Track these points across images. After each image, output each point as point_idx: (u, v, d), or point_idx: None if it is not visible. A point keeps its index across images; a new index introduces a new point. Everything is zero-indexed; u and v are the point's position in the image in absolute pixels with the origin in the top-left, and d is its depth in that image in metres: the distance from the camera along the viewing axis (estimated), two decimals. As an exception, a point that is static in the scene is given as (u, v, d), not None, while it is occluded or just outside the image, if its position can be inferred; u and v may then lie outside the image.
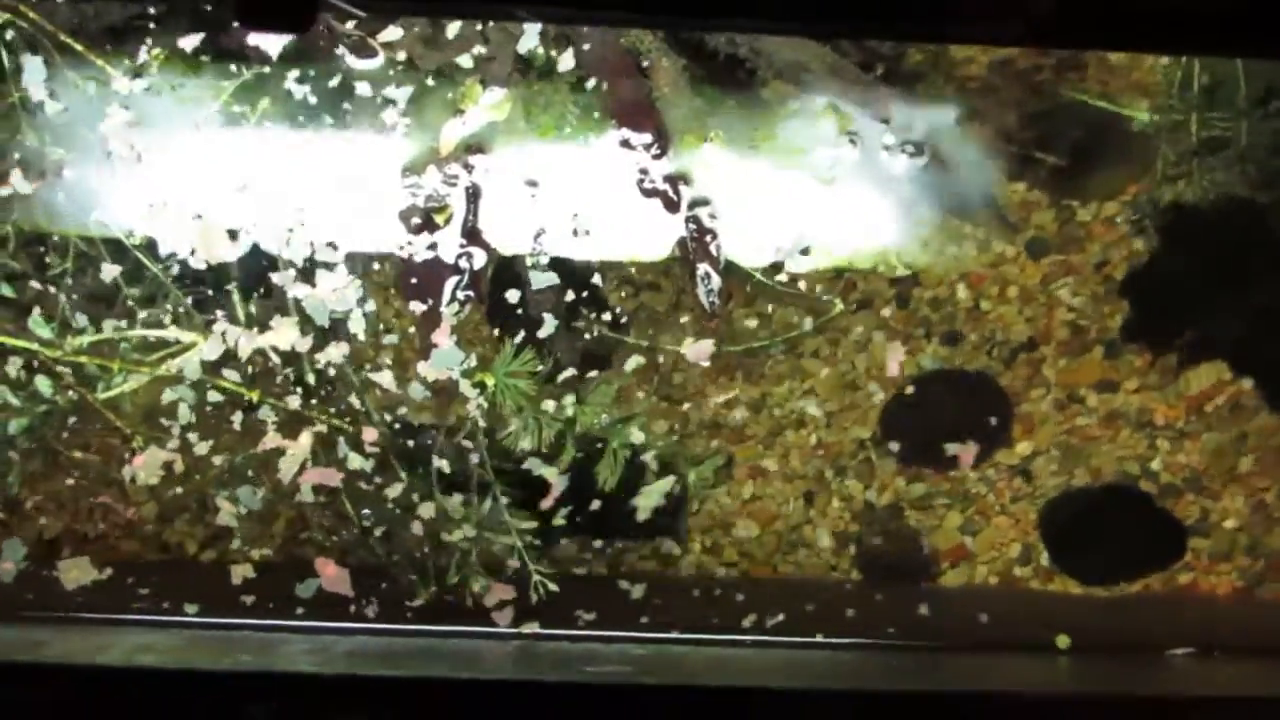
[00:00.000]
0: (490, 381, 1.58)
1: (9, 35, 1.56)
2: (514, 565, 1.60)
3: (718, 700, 1.40)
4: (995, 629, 1.63)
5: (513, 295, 1.62)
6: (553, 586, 1.60)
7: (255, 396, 1.58)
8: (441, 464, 1.61)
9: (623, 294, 1.63)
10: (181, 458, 1.60)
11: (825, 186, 1.61)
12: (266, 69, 1.58)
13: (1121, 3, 1.40)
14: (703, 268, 1.60)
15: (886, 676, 1.55)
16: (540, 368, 1.60)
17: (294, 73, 1.58)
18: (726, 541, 1.66)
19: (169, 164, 1.58)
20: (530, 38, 1.58)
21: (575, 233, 1.61)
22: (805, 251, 1.62)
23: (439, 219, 1.58)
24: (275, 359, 1.60)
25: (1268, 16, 1.38)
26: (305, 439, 1.57)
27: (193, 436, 1.60)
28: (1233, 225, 1.65)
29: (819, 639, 1.61)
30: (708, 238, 1.60)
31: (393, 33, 1.57)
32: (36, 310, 1.58)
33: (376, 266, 1.60)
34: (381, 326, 1.61)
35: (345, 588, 1.59)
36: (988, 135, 1.62)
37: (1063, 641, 1.61)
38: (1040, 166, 1.63)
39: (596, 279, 1.62)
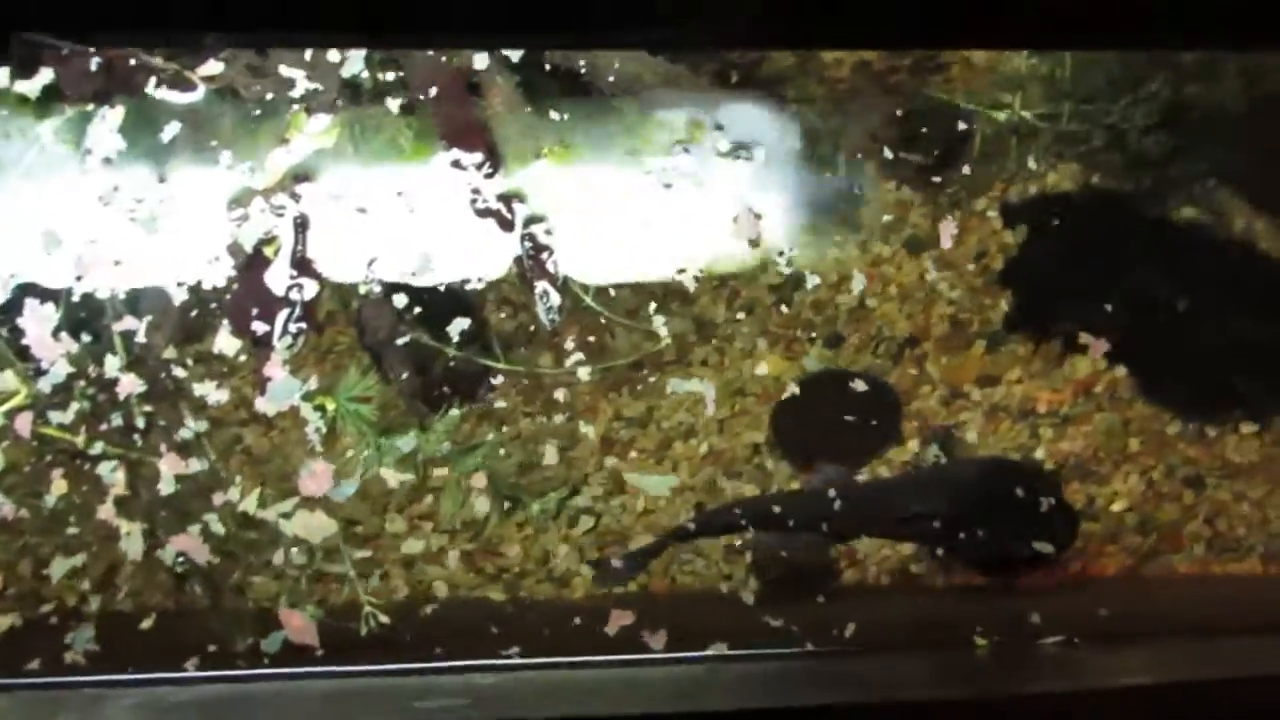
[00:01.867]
0: (331, 405, 1.46)
1: None
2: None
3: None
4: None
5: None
6: (384, 618, 1.46)
7: (82, 443, 1.44)
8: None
9: (496, 313, 1.54)
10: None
11: (665, 192, 1.54)
12: (87, 106, 1.46)
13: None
14: (541, 285, 1.52)
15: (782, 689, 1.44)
16: (374, 392, 1.49)
17: (110, 110, 1.46)
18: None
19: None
20: (355, 63, 1.49)
21: (410, 257, 1.51)
22: (756, 243, 1.55)
23: (268, 251, 1.48)
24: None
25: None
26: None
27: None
28: (1100, 214, 1.62)
29: (709, 652, 1.47)
30: (544, 255, 1.52)
31: (213, 66, 1.47)
32: None
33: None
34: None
35: (312, 638, 1.44)
36: (855, 136, 1.58)
37: (981, 642, 1.51)
38: (908, 165, 1.59)
39: (451, 301, 1.52)
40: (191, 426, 1.45)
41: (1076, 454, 1.60)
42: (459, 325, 1.51)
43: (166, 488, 1.43)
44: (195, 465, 1.45)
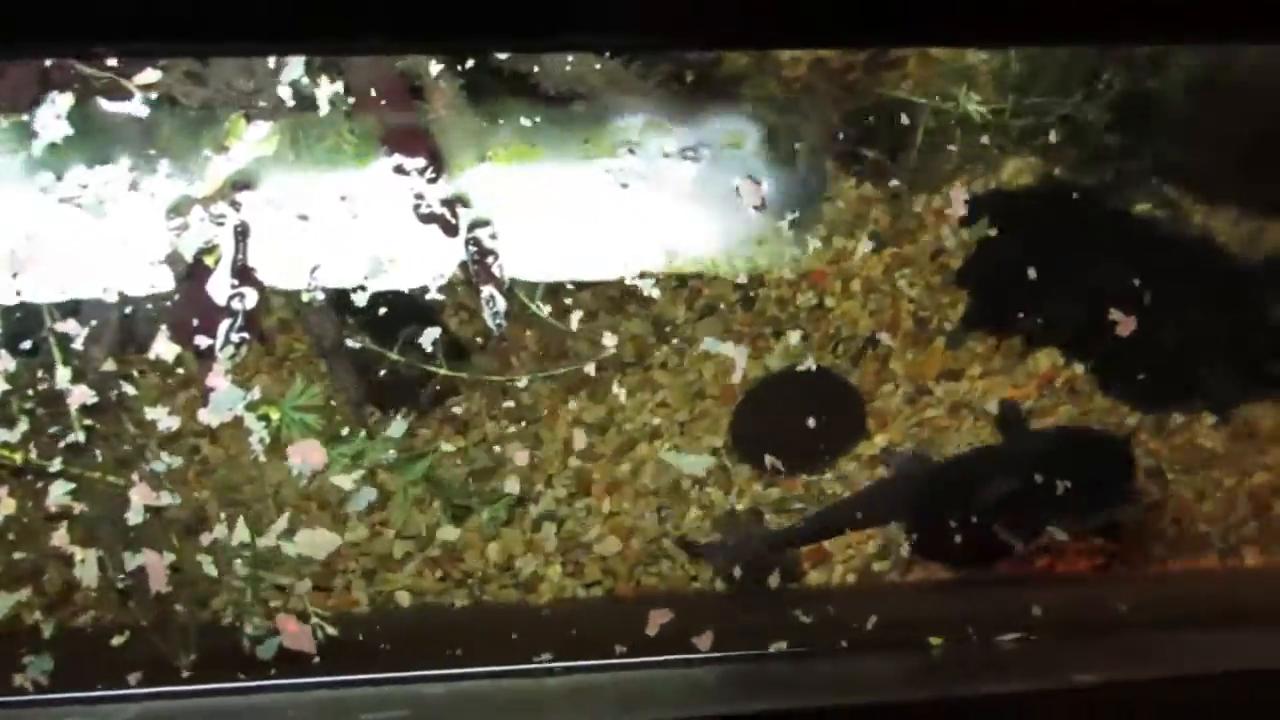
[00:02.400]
0: (275, 415, 1.43)
1: None
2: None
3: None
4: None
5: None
6: (331, 630, 1.42)
7: (20, 459, 1.40)
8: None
9: (449, 318, 1.51)
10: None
11: (616, 193, 1.52)
12: (23, 117, 1.41)
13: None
14: (487, 290, 1.49)
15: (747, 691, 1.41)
16: (326, 400, 1.46)
17: (48, 118, 1.42)
18: (588, 560, 1.52)
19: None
20: (295, 68, 1.45)
21: (353, 263, 1.48)
22: (761, 208, 1.52)
23: (208, 260, 1.44)
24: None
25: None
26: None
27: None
28: (1057, 209, 1.61)
29: (667, 657, 1.45)
30: (489, 259, 1.49)
31: (151, 74, 1.43)
32: None
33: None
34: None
35: (308, 644, 1.42)
36: (813, 134, 1.56)
37: (935, 641, 1.49)
38: (867, 162, 1.57)
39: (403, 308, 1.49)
40: (159, 454, 1.43)
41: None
42: (430, 335, 1.49)
43: (135, 516, 1.41)
44: (164, 486, 1.43)
